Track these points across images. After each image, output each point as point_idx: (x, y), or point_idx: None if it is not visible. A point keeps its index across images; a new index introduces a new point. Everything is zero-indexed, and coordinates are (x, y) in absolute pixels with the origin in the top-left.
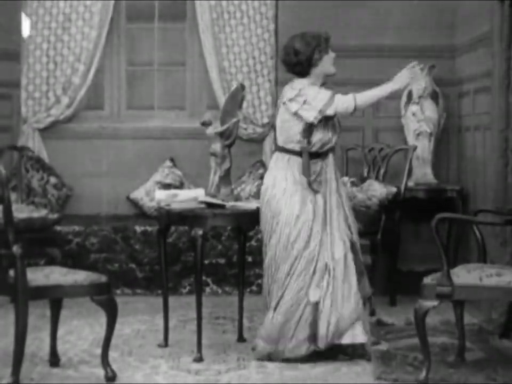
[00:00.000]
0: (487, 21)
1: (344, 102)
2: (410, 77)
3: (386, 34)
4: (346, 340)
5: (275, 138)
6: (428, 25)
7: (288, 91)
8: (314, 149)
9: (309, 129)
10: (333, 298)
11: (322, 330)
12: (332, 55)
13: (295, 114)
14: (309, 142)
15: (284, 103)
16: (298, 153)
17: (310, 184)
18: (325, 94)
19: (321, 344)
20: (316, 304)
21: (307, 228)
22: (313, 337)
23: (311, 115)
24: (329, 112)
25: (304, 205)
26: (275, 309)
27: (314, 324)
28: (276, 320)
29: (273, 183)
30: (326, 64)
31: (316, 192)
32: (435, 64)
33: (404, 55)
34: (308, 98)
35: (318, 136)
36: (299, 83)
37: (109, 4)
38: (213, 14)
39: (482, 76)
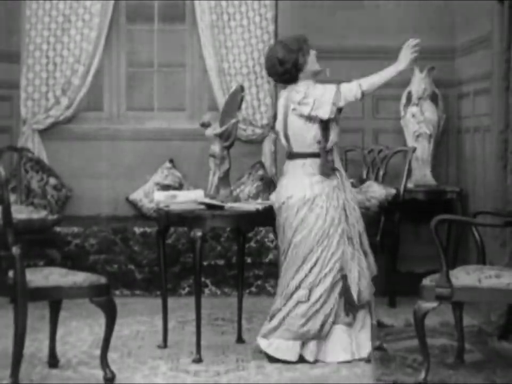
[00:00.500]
0: (487, 22)
1: (350, 90)
2: (412, 55)
3: (385, 35)
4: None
5: (289, 146)
6: (427, 27)
7: (294, 95)
8: (330, 146)
9: (325, 127)
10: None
11: (354, 295)
12: (312, 53)
13: (308, 116)
14: (326, 141)
15: (294, 109)
16: (318, 155)
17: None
18: (330, 87)
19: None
20: (345, 276)
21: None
22: (345, 306)
23: (326, 112)
24: (341, 103)
25: (331, 211)
26: (311, 289)
27: (346, 293)
28: (314, 298)
29: (299, 190)
30: (311, 64)
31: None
32: (435, 66)
33: None
34: (317, 96)
35: (335, 131)
36: (302, 85)
37: (108, 5)
38: (213, 15)
39: (482, 78)
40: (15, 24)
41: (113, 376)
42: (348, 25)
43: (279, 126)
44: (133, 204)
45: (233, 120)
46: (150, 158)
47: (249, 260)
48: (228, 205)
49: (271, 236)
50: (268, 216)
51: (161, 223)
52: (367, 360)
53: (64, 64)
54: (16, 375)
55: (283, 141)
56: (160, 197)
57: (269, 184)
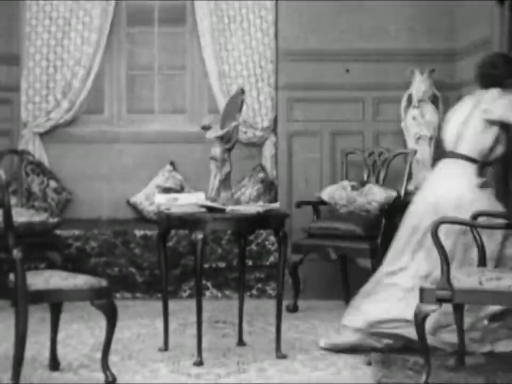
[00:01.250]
0: (487, 24)
1: None
2: None
3: (386, 38)
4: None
5: (454, 146)
6: (427, 29)
7: (487, 97)
8: (493, 157)
9: (497, 139)
10: None
11: None
12: None
13: (497, 119)
14: (491, 151)
15: (485, 110)
16: (476, 162)
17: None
18: None
19: None
20: None
21: None
22: None
23: None
24: None
25: None
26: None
27: None
28: None
29: (468, 189)
30: None
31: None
32: (435, 68)
33: (404, 59)
34: (510, 101)
35: (500, 149)
36: (492, 90)
37: (109, 7)
38: (213, 18)
39: None
40: (15, 26)
41: (114, 379)
42: (349, 27)
43: (452, 128)
44: (134, 207)
45: (234, 123)
46: (150, 161)
47: (250, 263)
48: (229, 207)
49: (272, 238)
50: (268, 219)
51: (162, 225)
52: (368, 363)
53: (65, 67)
54: (17, 378)
55: (449, 139)
56: (161, 199)
57: (270, 187)
